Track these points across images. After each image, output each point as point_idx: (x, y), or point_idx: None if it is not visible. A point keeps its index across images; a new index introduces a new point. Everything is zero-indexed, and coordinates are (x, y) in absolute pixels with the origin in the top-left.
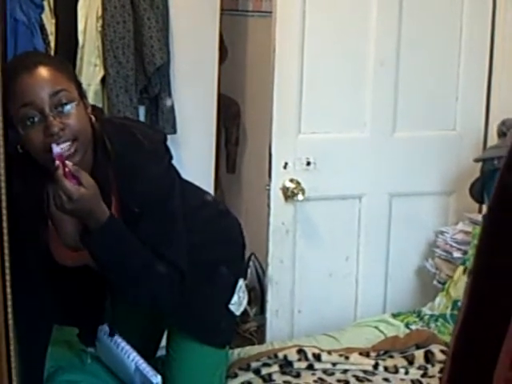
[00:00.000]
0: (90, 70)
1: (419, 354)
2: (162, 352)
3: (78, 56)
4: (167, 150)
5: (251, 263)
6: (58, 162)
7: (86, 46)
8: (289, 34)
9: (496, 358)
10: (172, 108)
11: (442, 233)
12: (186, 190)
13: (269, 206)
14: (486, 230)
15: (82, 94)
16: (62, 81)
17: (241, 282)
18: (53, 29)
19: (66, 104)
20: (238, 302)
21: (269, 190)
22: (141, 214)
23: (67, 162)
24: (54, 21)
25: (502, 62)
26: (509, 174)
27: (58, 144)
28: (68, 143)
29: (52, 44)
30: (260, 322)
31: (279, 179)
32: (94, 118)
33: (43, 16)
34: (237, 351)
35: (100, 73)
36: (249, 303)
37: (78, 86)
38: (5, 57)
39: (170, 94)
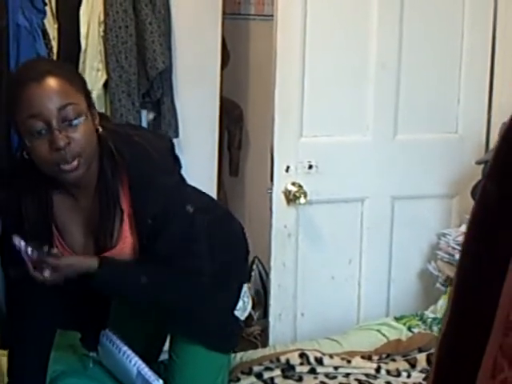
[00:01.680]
0: (93, 75)
1: (421, 358)
2: (164, 356)
3: (81, 61)
4: (176, 159)
5: (254, 267)
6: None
7: (89, 50)
8: (290, 37)
9: (478, 367)
10: (174, 112)
11: (444, 235)
12: (191, 197)
13: (271, 209)
14: (467, 241)
15: (91, 105)
16: (71, 93)
17: (245, 287)
18: (55, 34)
19: (73, 118)
20: (243, 308)
21: (271, 193)
22: (154, 225)
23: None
24: (56, 26)
25: (503, 65)
26: (491, 183)
27: (65, 158)
28: (72, 158)
29: (54, 49)
30: (264, 326)
31: (281, 182)
32: (100, 129)
33: (45, 21)
34: (239, 355)
35: (102, 77)
36: (252, 307)
37: (87, 96)
38: (7, 62)
39: (172, 99)
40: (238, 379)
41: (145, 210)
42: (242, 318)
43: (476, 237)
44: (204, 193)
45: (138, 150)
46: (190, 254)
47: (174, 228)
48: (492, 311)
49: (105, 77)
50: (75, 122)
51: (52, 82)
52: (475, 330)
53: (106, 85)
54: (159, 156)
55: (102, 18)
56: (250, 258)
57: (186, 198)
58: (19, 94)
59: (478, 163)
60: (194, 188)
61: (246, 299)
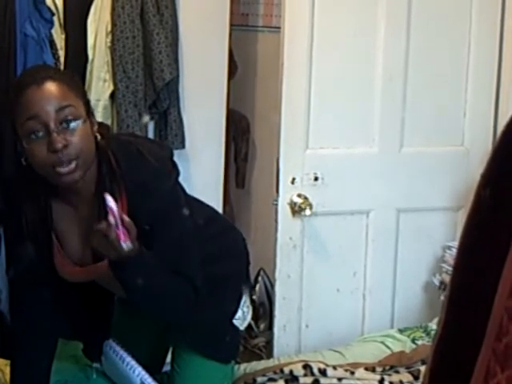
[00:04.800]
0: (100, 85)
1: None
2: (167, 368)
3: (88, 71)
4: (174, 166)
5: (260, 278)
6: (111, 218)
7: (96, 61)
8: (297, 49)
9: (472, 372)
10: (181, 123)
11: (449, 248)
12: (191, 206)
13: (276, 221)
14: (461, 248)
15: (90, 112)
16: (69, 97)
17: (245, 297)
18: (62, 44)
19: (71, 121)
20: (243, 317)
21: (276, 205)
22: (151, 231)
23: (124, 216)
24: (63, 36)
25: (510, 77)
26: (485, 190)
27: (62, 161)
28: (69, 161)
29: (62, 59)
30: (269, 338)
31: (287, 194)
32: (99, 136)
33: (53, 31)
34: (243, 366)
35: (109, 88)
36: (258, 318)
37: (86, 103)
38: (14, 72)
39: (178, 109)
40: None
41: (141, 217)
42: (242, 328)
43: (470, 244)
44: (206, 204)
45: (134, 156)
46: (180, 262)
47: (169, 233)
48: (485, 317)
49: (112, 87)
50: (73, 124)
51: (51, 86)
52: (469, 336)
53: (112, 95)
54: (157, 162)
55: (109, 28)
56: (256, 270)
57: (182, 204)
58: (19, 97)
59: None
60: (195, 199)
61: (245, 309)
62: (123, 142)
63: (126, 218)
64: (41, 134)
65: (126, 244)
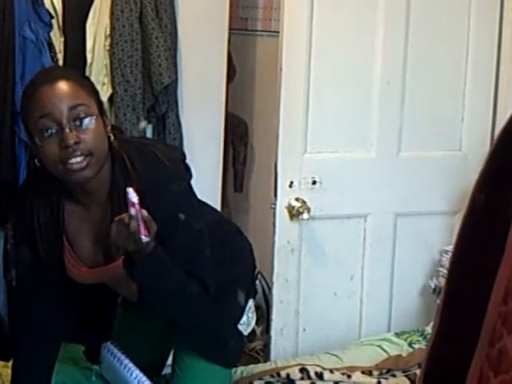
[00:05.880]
0: (98, 89)
1: None
2: (167, 370)
3: (86, 74)
4: (187, 168)
5: (257, 282)
6: (133, 210)
7: (94, 64)
8: (296, 53)
9: (465, 376)
10: (179, 126)
11: (446, 252)
12: (200, 210)
13: (274, 224)
14: (456, 253)
15: (103, 112)
16: (81, 95)
17: (250, 303)
18: (61, 47)
19: (84, 118)
20: (247, 322)
21: (274, 208)
22: (162, 232)
23: (143, 211)
24: (62, 39)
25: (507, 83)
26: (480, 195)
27: (74, 157)
28: (81, 157)
29: (60, 62)
30: (266, 341)
31: (285, 198)
32: (112, 137)
33: (52, 34)
34: (240, 370)
35: (108, 91)
36: (256, 322)
37: (99, 103)
38: (13, 75)
39: (177, 113)
40: None
41: (154, 219)
42: (246, 333)
43: (464, 249)
44: (214, 208)
45: (149, 157)
46: (193, 263)
47: (179, 236)
48: (479, 322)
49: (110, 91)
50: (85, 121)
51: (63, 85)
52: (463, 340)
53: (111, 99)
54: (171, 164)
55: (108, 31)
56: None
57: (194, 207)
58: (32, 96)
59: None
60: (204, 203)
61: (250, 314)
62: (137, 143)
63: (145, 213)
64: (53, 131)
65: (144, 238)
